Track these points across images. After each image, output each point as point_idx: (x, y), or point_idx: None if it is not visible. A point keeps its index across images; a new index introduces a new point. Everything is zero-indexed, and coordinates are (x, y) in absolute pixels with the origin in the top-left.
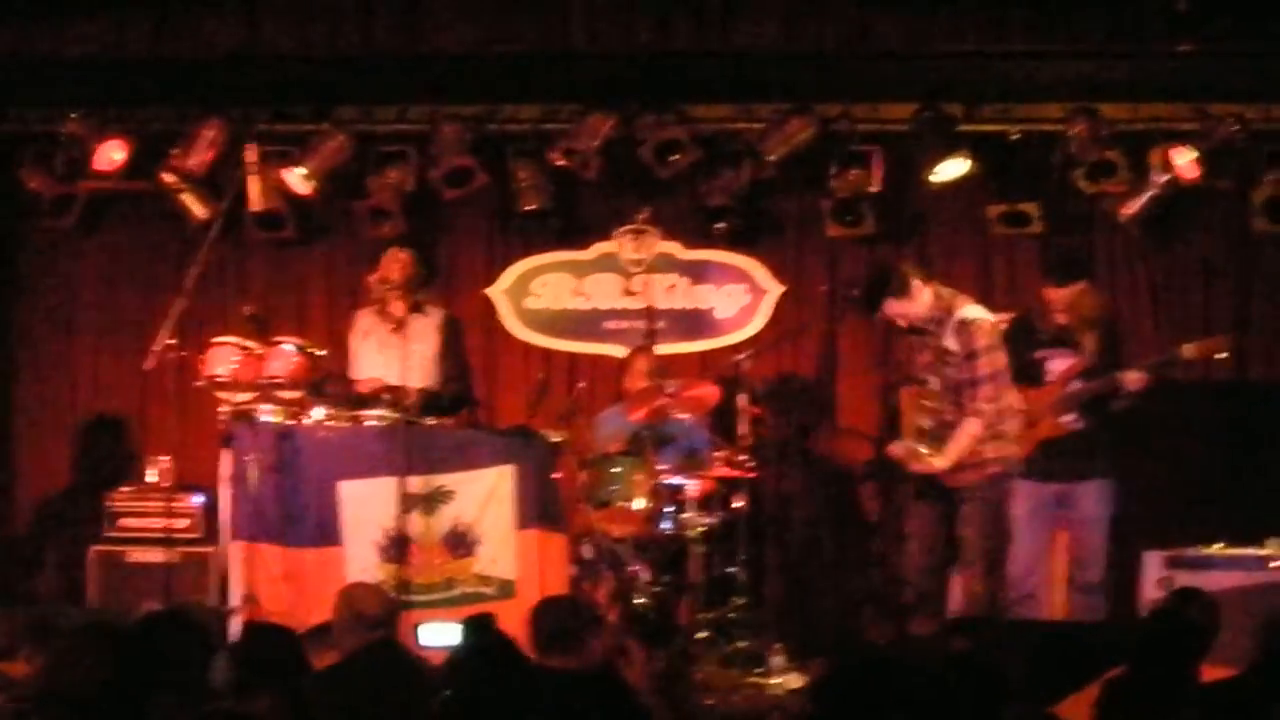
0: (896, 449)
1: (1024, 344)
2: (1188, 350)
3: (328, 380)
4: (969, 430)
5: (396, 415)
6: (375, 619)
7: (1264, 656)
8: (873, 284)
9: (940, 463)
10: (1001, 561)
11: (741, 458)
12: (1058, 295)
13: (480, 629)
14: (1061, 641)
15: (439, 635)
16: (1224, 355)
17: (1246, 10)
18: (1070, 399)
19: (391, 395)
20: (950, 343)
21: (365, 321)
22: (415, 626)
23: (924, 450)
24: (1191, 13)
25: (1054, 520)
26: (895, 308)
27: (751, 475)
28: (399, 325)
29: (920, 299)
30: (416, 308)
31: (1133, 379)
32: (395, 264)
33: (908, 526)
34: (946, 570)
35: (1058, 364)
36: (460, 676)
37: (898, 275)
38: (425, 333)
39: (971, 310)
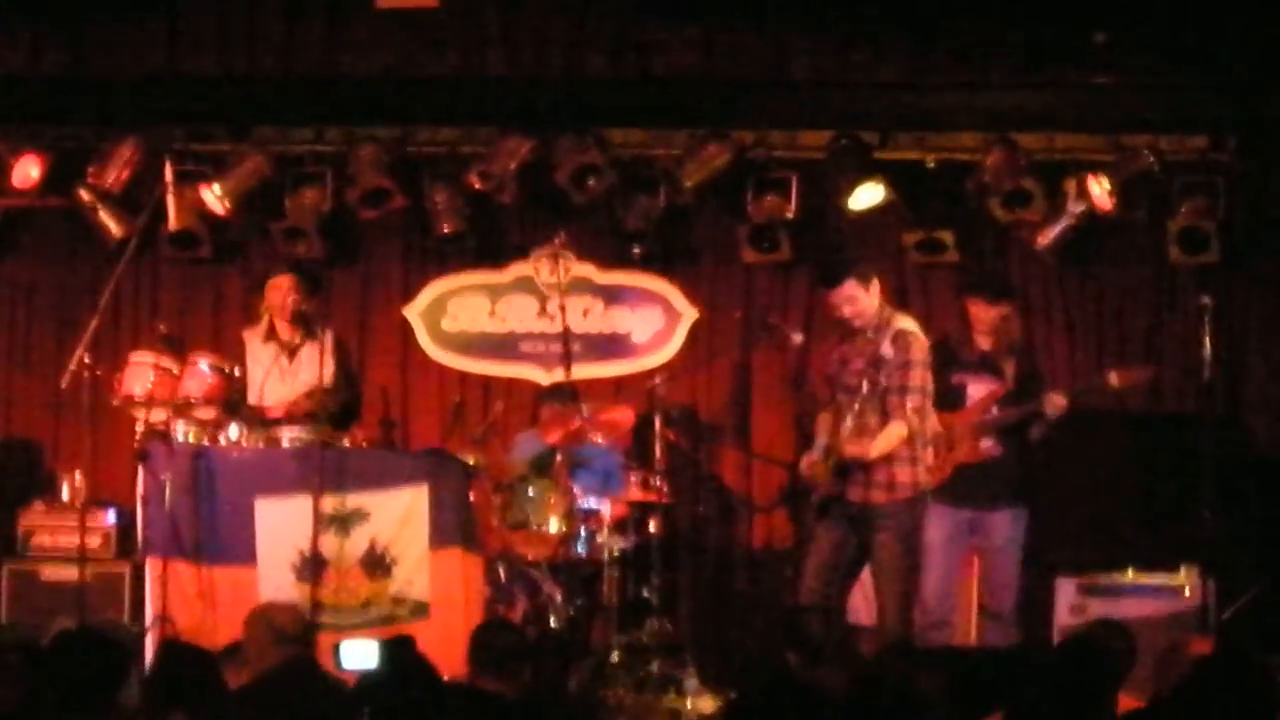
0: (806, 462)
1: (944, 368)
2: (1114, 378)
3: (240, 401)
4: (896, 431)
5: (311, 435)
6: (290, 634)
7: (1177, 687)
8: (842, 259)
9: (872, 451)
10: (914, 589)
11: (656, 482)
12: (987, 313)
13: (399, 650)
14: (972, 668)
15: (359, 656)
16: (1146, 387)
17: (1162, 43)
18: (990, 424)
19: (303, 405)
20: (886, 349)
21: (254, 345)
22: (335, 647)
23: (856, 441)
24: (1108, 45)
25: (967, 547)
26: (851, 290)
27: (666, 499)
28: (292, 353)
29: (872, 299)
30: (309, 333)
31: (1054, 403)
32: (277, 291)
33: (808, 548)
34: (843, 594)
35: (978, 388)
36: (378, 698)
37: (865, 263)
38: (317, 358)
39: (910, 324)
